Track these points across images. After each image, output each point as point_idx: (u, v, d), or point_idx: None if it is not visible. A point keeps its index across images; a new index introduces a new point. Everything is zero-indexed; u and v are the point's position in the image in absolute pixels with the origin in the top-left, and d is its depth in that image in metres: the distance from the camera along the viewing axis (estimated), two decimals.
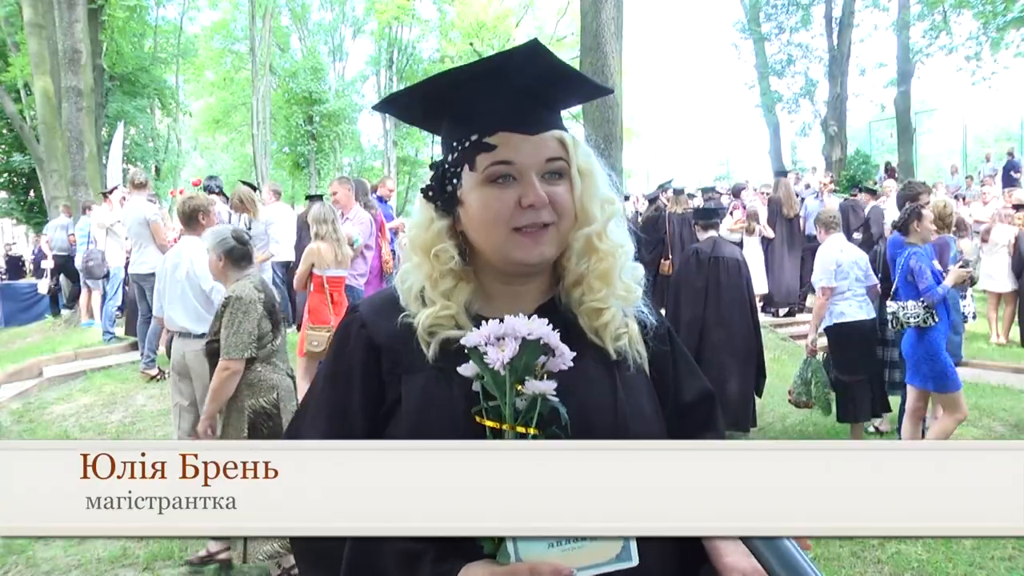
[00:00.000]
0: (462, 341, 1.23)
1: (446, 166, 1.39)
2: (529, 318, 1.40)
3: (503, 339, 1.20)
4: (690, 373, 1.57)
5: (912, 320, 5.94)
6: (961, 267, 6.36)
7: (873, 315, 7.07)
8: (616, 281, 1.43)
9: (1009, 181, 18.83)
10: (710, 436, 1.52)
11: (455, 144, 1.38)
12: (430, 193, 1.41)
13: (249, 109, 36.56)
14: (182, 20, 36.18)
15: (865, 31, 27.39)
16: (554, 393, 1.19)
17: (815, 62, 27.93)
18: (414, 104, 1.47)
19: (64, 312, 15.24)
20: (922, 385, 6.06)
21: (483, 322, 1.35)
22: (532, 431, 1.18)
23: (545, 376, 1.21)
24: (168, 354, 6.52)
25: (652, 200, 14.85)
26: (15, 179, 25.47)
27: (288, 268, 11.27)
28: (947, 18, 22.97)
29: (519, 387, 1.19)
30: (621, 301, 1.44)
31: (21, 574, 5.02)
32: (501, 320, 1.22)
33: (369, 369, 1.38)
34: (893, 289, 6.25)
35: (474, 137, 1.35)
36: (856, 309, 6.99)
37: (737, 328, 7.06)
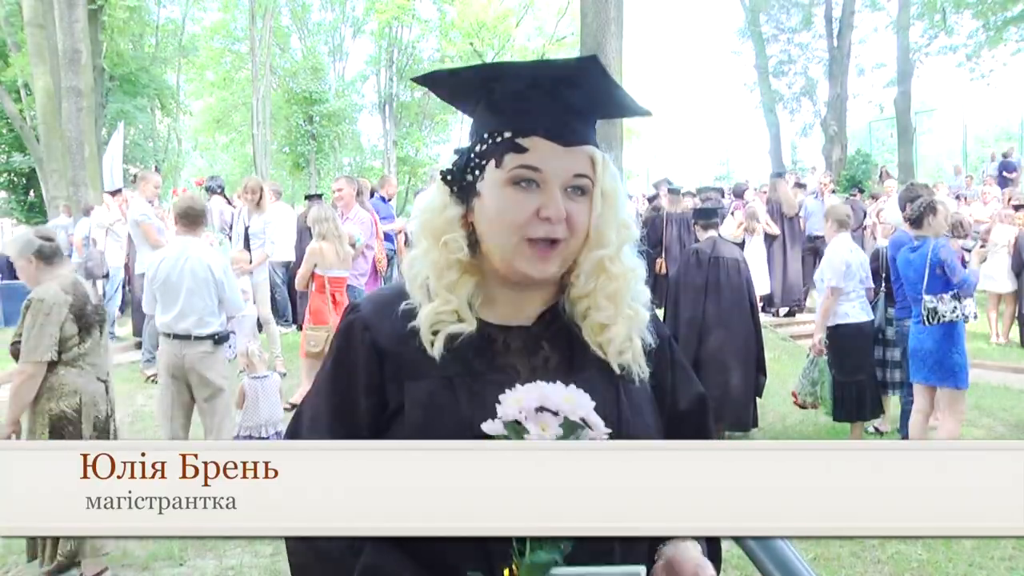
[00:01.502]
0: (500, 411, 1.20)
1: (472, 155, 1.37)
2: (532, 325, 1.40)
3: (543, 412, 1.17)
4: (687, 380, 1.56)
5: (949, 315, 5.81)
6: (981, 246, 6.33)
7: (872, 316, 7.08)
8: (624, 303, 1.41)
9: (1003, 182, 18.84)
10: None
11: (486, 136, 1.36)
12: (449, 177, 1.39)
13: (249, 109, 36.47)
14: (184, 20, 36.20)
15: (865, 31, 27.43)
16: None
17: (815, 62, 27.92)
18: (455, 86, 1.46)
19: None
20: (941, 382, 5.93)
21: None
22: None
23: None
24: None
25: (651, 200, 14.87)
26: (15, 179, 25.47)
27: (288, 268, 11.27)
28: (946, 17, 22.96)
29: None
30: (627, 321, 1.41)
31: (21, 574, 5.01)
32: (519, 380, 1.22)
33: (372, 373, 1.36)
34: (924, 285, 5.99)
35: (507, 134, 1.33)
36: (859, 310, 7.06)
37: (737, 328, 7.08)
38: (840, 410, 7.09)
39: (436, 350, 1.32)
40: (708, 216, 7.59)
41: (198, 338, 5.74)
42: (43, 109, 16.90)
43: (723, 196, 16.46)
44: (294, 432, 1.44)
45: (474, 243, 1.38)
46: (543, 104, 1.34)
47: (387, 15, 38.96)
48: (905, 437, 6.70)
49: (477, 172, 1.36)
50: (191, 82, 41.03)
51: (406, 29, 41.41)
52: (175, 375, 5.79)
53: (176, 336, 5.76)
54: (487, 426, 1.20)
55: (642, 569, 1.15)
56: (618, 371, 1.38)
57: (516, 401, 1.18)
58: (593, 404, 1.19)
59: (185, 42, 36.44)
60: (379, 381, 1.35)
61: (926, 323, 5.91)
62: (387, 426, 1.33)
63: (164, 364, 5.86)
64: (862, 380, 7.03)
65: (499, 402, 1.20)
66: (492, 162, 1.34)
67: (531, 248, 1.31)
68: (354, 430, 1.34)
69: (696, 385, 1.57)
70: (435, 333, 1.34)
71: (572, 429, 1.17)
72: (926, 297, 5.92)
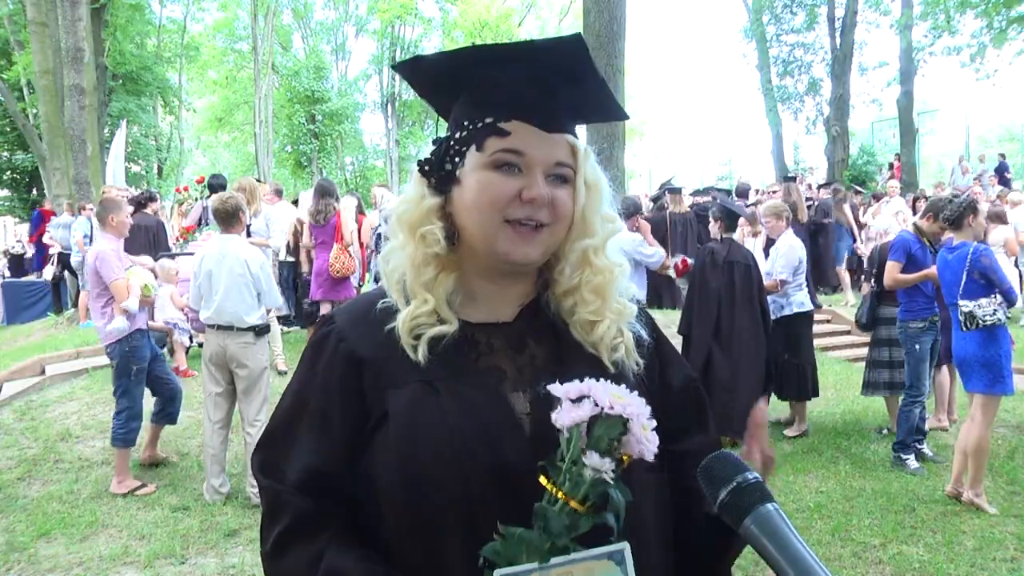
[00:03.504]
0: (548, 387, 1.15)
1: (451, 142, 1.34)
2: (513, 319, 1.36)
3: (583, 400, 1.11)
4: (675, 362, 1.53)
5: (988, 319, 5.60)
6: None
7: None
8: (611, 297, 1.39)
9: (1002, 182, 18.96)
10: (699, 427, 1.48)
11: (466, 123, 1.33)
12: (427, 167, 1.36)
13: (251, 107, 36.60)
14: (186, 19, 36.28)
15: (868, 30, 27.37)
16: (612, 475, 1.08)
17: (818, 62, 27.88)
18: (436, 72, 1.40)
19: (71, 310, 15.27)
20: (987, 389, 5.67)
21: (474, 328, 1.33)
22: (579, 507, 1.09)
23: (624, 458, 1.11)
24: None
25: (655, 200, 14.85)
26: (17, 177, 25.54)
27: (291, 267, 11.26)
28: (950, 18, 22.90)
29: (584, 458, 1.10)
30: (616, 316, 1.39)
31: (24, 571, 5.03)
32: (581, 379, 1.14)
33: (349, 385, 1.32)
34: (961, 289, 5.76)
35: (488, 120, 1.30)
36: (806, 300, 7.85)
37: (748, 332, 7.12)
38: (789, 389, 7.72)
39: (420, 354, 1.28)
40: (731, 218, 7.62)
41: (240, 330, 6.02)
42: (46, 107, 16.93)
43: (728, 196, 16.49)
44: (267, 446, 1.40)
45: (452, 236, 1.35)
46: (522, 86, 1.31)
47: (389, 14, 39.09)
48: (905, 437, 6.69)
49: (457, 160, 1.33)
50: (193, 81, 41.13)
51: (408, 28, 41.52)
52: (217, 363, 6.08)
53: (220, 327, 6.03)
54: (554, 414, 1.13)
55: (625, 545, 1.11)
56: (612, 369, 1.34)
57: (567, 385, 1.13)
58: (649, 412, 1.12)
59: (187, 41, 36.48)
60: (358, 392, 1.31)
61: (964, 328, 5.72)
62: (371, 436, 1.29)
63: (207, 353, 6.16)
64: (807, 362, 7.72)
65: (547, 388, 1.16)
66: (472, 147, 1.31)
67: (514, 230, 1.29)
68: (330, 444, 1.31)
69: (685, 367, 1.54)
70: (417, 337, 1.30)
71: (610, 428, 1.10)
72: (962, 302, 5.71)
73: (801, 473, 6.61)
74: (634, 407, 1.10)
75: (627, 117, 1.56)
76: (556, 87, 1.32)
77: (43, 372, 9.55)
